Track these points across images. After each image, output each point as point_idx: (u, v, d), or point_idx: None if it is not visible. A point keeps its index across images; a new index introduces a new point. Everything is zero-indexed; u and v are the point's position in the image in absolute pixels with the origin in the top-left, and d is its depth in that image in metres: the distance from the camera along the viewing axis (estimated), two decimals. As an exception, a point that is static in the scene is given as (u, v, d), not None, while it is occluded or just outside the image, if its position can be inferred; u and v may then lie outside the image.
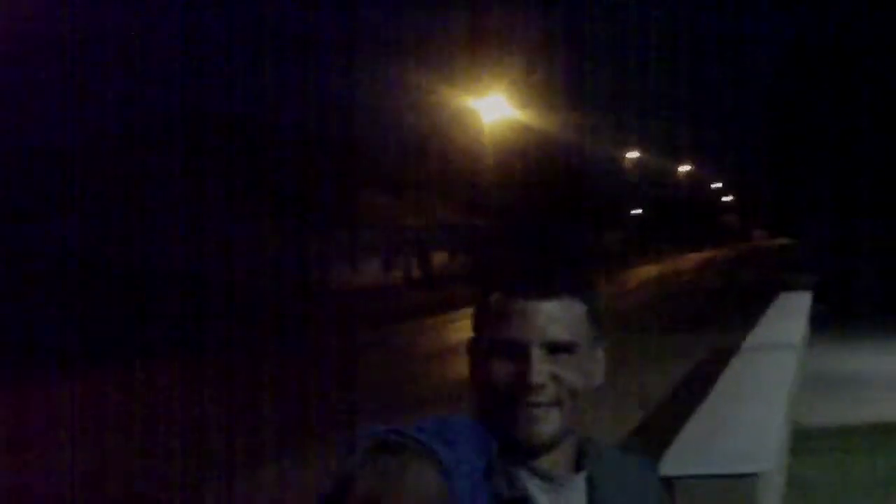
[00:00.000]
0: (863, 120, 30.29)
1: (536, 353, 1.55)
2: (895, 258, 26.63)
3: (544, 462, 1.58)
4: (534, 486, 1.56)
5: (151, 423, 11.79)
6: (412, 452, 1.40)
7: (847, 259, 28.94)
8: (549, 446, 1.57)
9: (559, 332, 1.56)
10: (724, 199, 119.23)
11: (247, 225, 31.20)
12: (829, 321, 16.46)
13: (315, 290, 32.14)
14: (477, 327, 1.65)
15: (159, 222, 27.65)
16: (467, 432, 1.53)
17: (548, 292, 1.57)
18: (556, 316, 1.56)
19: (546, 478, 1.58)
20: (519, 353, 1.56)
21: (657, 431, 8.43)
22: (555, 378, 1.55)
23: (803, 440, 8.58)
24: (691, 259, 61.01)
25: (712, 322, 19.43)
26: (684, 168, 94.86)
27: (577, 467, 1.63)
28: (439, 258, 46.07)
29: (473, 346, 1.65)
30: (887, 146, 29.29)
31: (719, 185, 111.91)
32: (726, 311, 21.06)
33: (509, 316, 1.57)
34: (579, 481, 1.62)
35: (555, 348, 1.56)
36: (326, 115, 35.81)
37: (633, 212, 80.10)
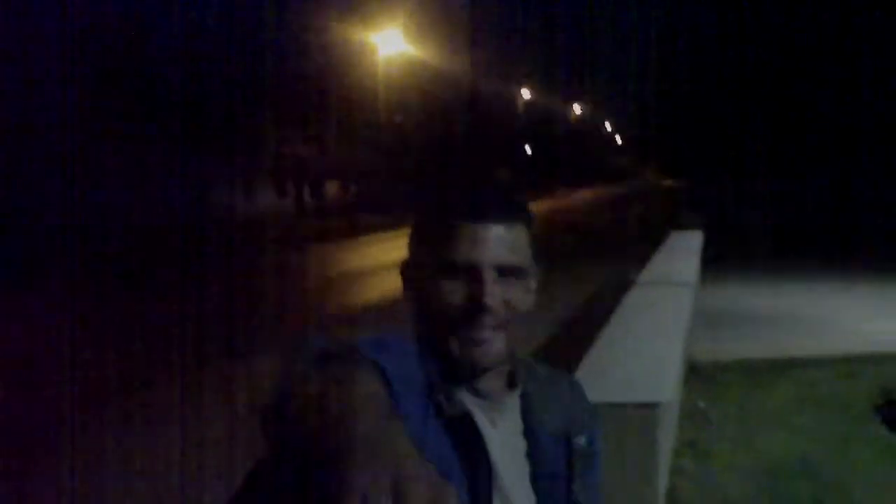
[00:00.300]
0: (754, 65, 30.79)
1: (490, 276, 1.55)
2: (782, 200, 27.25)
3: (483, 381, 1.59)
4: (472, 404, 1.56)
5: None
6: (357, 363, 1.35)
7: (735, 200, 29.53)
8: (493, 367, 1.58)
9: (510, 256, 1.58)
10: (617, 140, 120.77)
11: (140, 153, 30.60)
12: (717, 261, 16.80)
13: (207, 216, 31.70)
14: (419, 249, 1.64)
15: (50, 152, 26.90)
16: (407, 350, 1.53)
17: (501, 216, 1.58)
18: (506, 240, 1.58)
19: (484, 396, 1.59)
20: (472, 275, 1.55)
21: (558, 358, 8.51)
22: (505, 302, 1.56)
23: (696, 374, 8.75)
24: (582, 197, 61.61)
25: (604, 257, 19.72)
26: (577, 109, 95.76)
27: (511, 385, 1.64)
28: (332, 188, 46.02)
29: (413, 268, 1.65)
30: (779, 89, 29.83)
31: (610, 126, 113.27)
32: (618, 248, 21.37)
33: (460, 238, 1.56)
34: (514, 399, 1.64)
35: (504, 272, 1.57)
36: (223, 48, 35.27)
37: (526, 150, 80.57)
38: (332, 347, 1.39)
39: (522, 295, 1.60)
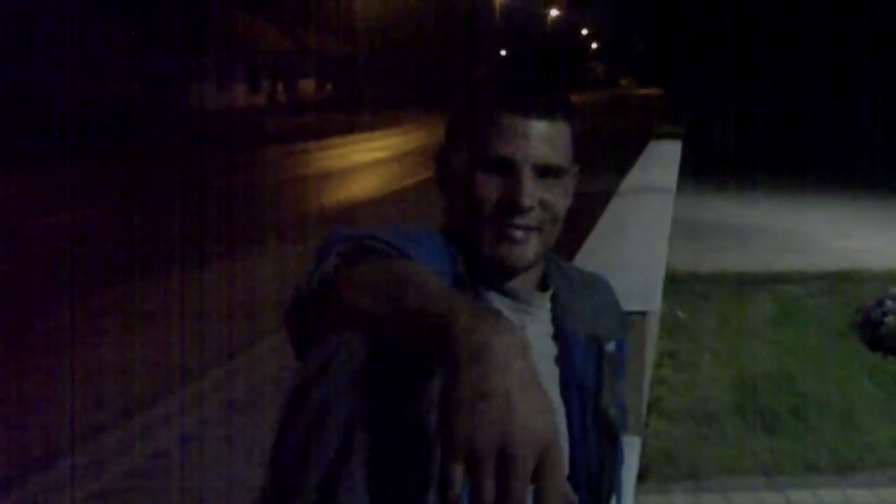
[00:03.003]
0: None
1: (528, 175, 1.46)
2: (762, 113, 27.16)
3: (514, 283, 1.51)
4: (500, 304, 1.48)
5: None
6: (394, 256, 1.28)
7: (714, 111, 29.42)
8: (525, 269, 1.50)
9: (551, 155, 1.48)
10: (593, 45, 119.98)
11: (109, 42, 30.06)
12: (695, 173, 16.74)
13: (179, 108, 31.33)
14: (458, 138, 1.53)
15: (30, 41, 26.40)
16: (435, 244, 1.45)
17: (548, 111, 1.48)
18: (550, 137, 1.48)
19: (514, 297, 1.51)
20: (509, 172, 1.46)
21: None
22: (542, 202, 1.47)
23: (675, 285, 8.72)
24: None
25: (582, 166, 19.36)
26: (554, 13, 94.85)
27: (542, 286, 1.57)
28: (307, 85, 45.58)
29: (449, 157, 1.54)
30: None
31: (587, 32, 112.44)
32: (597, 156, 21.20)
33: (503, 132, 1.46)
34: (545, 300, 1.57)
35: (544, 171, 1.47)
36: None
37: (501, 53, 79.86)
38: (368, 241, 1.32)
39: (560, 196, 1.51)
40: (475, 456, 0.97)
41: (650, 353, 5.55)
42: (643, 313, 4.61)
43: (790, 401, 6.04)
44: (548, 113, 1.48)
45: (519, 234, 1.47)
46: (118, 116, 25.45)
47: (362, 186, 18.24)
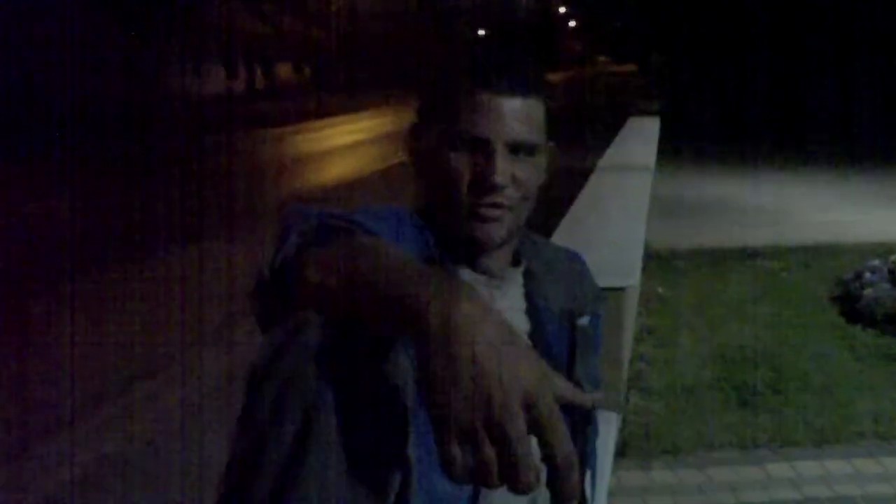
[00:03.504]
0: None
1: (501, 152, 1.44)
2: (739, 88, 27.16)
3: (486, 260, 1.51)
4: (472, 280, 1.46)
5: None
6: (357, 234, 1.26)
7: (691, 88, 29.44)
8: (497, 246, 1.49)
9: (524, 132, 1.46)
10: (570, 24, 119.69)
11: (89, 27, 29.81)
12: (672, 149, 16.76)
13: (157, 94, 31.15)
14: (430, 116, 1.52)
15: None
16: (404, 223, 1.45)
17: (521, 88, 1.46)
18: (523, 114, 1.46)
19: (486, 272, 1.51)
20: (481, 150, 1.45)
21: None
22: (515, 180, 1.46)
23: (653, 261, 8.74)
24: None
25: (560, 143, 19.39)
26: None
27: (515, 262, 1.57)
28: (284, 69, 45.39)
29: (420, 135, 1.53)
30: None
31: (565, 10, 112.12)
32: (575, 133, 21.22)
33: (475, 110, 1.45)
34: (517, 275, 1.57)
35: (517, 148, 1.46)
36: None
37: (479, 33, 79.57)
38: (331, 220, 1.29)
39: (533, 173, 1.50)
40: (464, 430, 0.95)
41: (629, 329, 5.56)
42: (622, 289, 4.62)
43: (769, 375, 6.06)
44: (520, 90, 1.47)
45: (491, 212, 1.46)
46: (91, 106, 25.22)
47: (343, 169, 18.19)
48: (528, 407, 0.95)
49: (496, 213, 1.46)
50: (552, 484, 0.98)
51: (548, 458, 0.97)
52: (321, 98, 34.21)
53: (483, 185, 1.44)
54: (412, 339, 1.02)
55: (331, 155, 20.58)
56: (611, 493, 4.45)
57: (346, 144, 22.48)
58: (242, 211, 12.15)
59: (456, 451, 0.95)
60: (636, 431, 5.21)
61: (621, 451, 4.95)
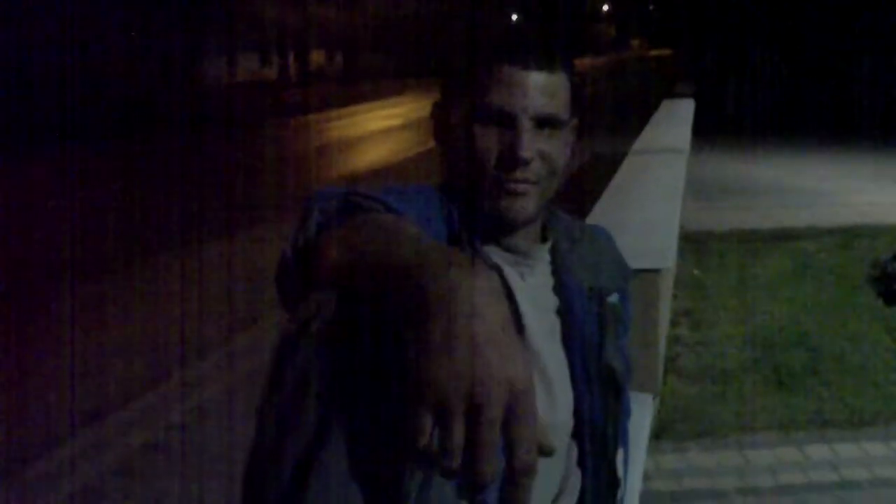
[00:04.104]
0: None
1: (526, 126, 1.43)
2: (776, 72, 26.95)
3: (513, 237, 1.49)
4: (499, 258, 1.47)
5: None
6: (378, 211, 1.26)
7: (727, 72, 29.22)
8: (524, 223, 1.48)
9: (550, 106, 1.45)
10: (604, 8, 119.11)
11: (120, 18, 29.96)
12: (708, 131, 16.66)
13: (190, 83, 31.25)
14: (456, 92, 1.51)
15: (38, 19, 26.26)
16: (430, 201, 1.45)
17: (547, 62, 1.46)
18: (548, 88, 1.45)
19: (513, 251, 1.50)
20: (508, 124, 1.43)
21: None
22: (541, 154, 1.45)
23: (689, 243, 8.71)
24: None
25: (596, 127, 19.51)
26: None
27: (542, 239, 1.56)
28: (317, 57, 45.42)
29: (447, 111, 1.52)
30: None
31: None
32: (611, 116, 21.20)
33: (500, 84, 1.43)
34: (544, 252, 1.56)
35: (543, 123, 1.45)
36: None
37: (513, 17, 79.31)
38: (356, 199, 1.28)
39: (560, 148, 1.49)
40: (442, 402, 0.92)
41: (665, 312, 5.54)
42: (657, 271, 4.62)
43: (806, 356, 6.04)
44: (547, 64, 1.45)
45: (518, 186, 1.45)
46: (125, 98, 25.34)
47: (378, 154, 18.20)
48: (511, 397, 0.93)
49: (523, 187, 1.45)
50: (503, 488, 0.94)
51: (509, 458, 0.93)
52: (354, 84, 34.23)
53: (509, 159, 1.43)
54: (414, 306, 0.99)
55: (363, 141, 20.59)
56: (648, 476, 4.45)
57: (381, 129, 22.50)
58: (274, 199, 12.18)
59: (426, 420, 0.93)
60: (673, 414, 5.20)
61: (658, 434, 4.94)
